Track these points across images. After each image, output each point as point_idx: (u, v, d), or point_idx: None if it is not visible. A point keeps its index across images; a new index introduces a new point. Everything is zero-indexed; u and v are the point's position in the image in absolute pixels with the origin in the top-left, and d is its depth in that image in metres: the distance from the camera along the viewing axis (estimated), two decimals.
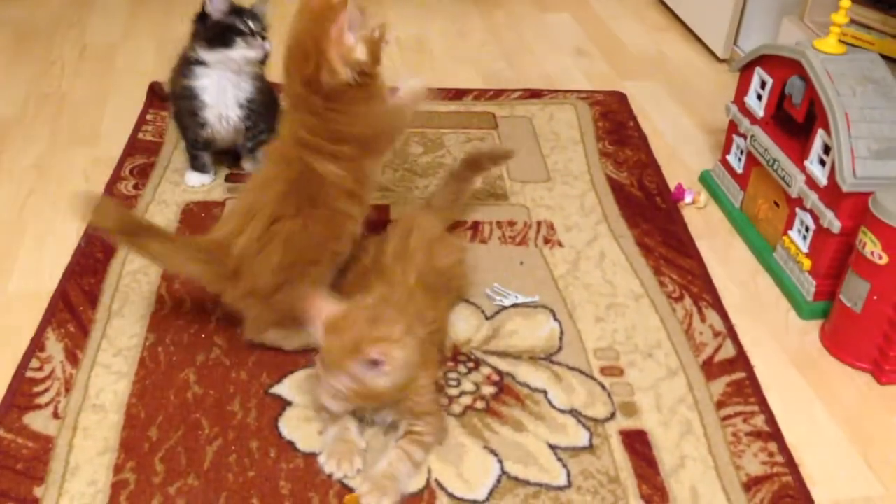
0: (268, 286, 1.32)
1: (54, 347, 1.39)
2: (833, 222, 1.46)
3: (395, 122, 1.45)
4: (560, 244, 1.68)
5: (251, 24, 1.67)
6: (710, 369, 1.42)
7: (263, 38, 1.69)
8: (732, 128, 1.79)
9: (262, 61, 1.72)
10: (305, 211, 1.33)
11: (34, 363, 1.36)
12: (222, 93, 1.71)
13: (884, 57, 1.59)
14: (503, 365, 1.41)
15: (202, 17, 1.69)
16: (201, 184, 1.80)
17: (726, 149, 1.82)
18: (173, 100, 1.78)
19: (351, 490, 1.19)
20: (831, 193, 1.47)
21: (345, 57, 1.30)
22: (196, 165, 1.80)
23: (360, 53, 1.30)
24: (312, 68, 1.31)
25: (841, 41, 1.54)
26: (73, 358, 1.38)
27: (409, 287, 1.35)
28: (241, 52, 1.67)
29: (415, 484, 1.21)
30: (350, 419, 1.25)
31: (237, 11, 1.68)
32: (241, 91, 1.72)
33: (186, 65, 1.71)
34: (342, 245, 1.39)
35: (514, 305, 1.53)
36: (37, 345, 1.40)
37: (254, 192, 1.36)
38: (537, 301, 1.54)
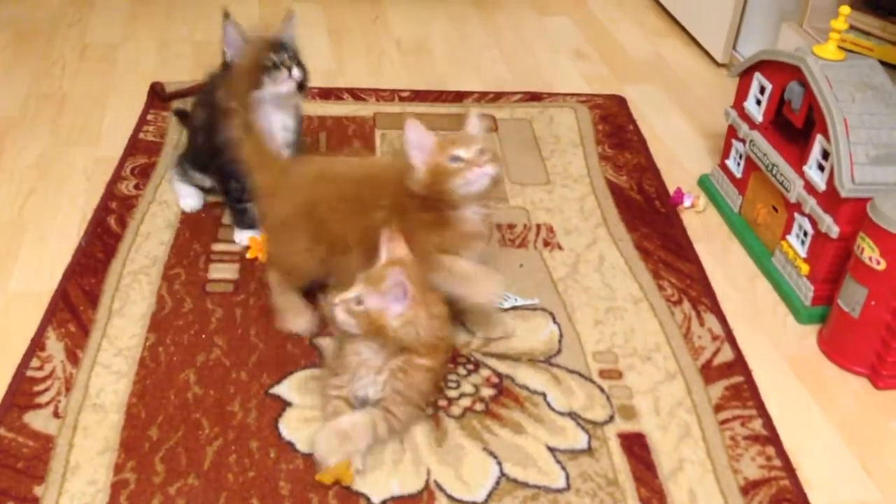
0: (281, 220, 1.41)
1: (55, 347, 1.40)
2: (831, 227, 1.47)
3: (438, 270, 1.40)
4: (559, 247, 1.69)
5: (274, 57, 1.53)
6: (709, 373, 1.42)
7: (290, 68, 1.54)
8: (731, 132, 1.79)
9: (301, 90, 1.58)
10: (351, 199, 1.39)
11: (35, 362, 1.36)
12: (269, 136, 1.52)
13: (883, 63, 1.60)
14: (502, 367, 1.41)
15: (227, 65, 1.57)
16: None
17: (725, 153, 1.83)
18: (216, 155, 1.58)
19: (349, 489, 1.20)
20: (830, 199, 1.47)
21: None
22: (245, 221, 1.64)
23: (420, 174, 1.33)
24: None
25: (840, 47, 1.55)
26: (73, 357, 1.38)
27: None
28: (271, 90, 1.53)
29: (413, 485, 1.21)
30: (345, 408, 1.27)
31: (264, 43, 1.54)
32: (287, 130, 1.60)
33: (225, 117, 1.47)
34: (337, 248, 1.41)
35: (514, 308, 1.53)
36: (37, 344, 1.40)
37: (343, 166, 1.49)
38: (537, 303, 1.55)
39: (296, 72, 1.55)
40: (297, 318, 1.45)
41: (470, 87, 2.26)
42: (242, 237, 1.65)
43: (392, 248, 1.28)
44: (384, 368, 1.25)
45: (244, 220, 1.65)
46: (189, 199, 1.73)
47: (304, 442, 1.26)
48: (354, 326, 1.22)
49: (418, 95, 2.20)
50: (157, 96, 2.10)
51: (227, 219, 1.70)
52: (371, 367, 1.26)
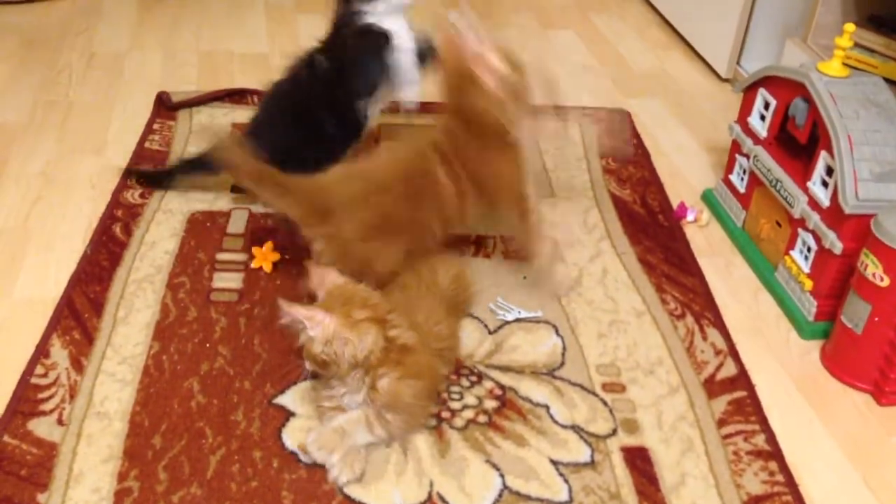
0: (350, 233, 1.41)
1: (59, 354, 1.40)
2: (835, 243, 1.47)
3: (515, 198, 1.54)
4: (563, 260, 1.69)
5: None
6: (712, 387, 1.42)
7: None
8: (735, 147, 1.80)
9: None
10: (409, 199, 1.44)
11: (39, 369, 1.37)
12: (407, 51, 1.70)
13: (887, 81, 1.61)
14: (506, 379, 1.41)
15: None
16: None
17: (729, 168, 1.83)
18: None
19: (352, 499, 1.20)
20: (833, 215, 1.48)
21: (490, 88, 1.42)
22: None
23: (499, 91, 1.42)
24: (461, 94, 1.45)
25: (845, 64, 1.56)
26: (77, 365, 1.38)
27: (426, 299, 1.40)
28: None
29: (416, 496, 1.21)
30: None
31: None
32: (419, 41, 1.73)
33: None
34: (416, 244, 1.46)
35: (517, 320, 1.54)
36: (42, 351, 1.40)
37: (374, 161, 1.51)
38: (540, 316, 1.55)
39: None
40: None
41: None
42: None
43: (318, 280, 1.30)
44: (360, 395, 1.26)
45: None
46: None
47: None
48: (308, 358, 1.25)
49: (424, 107, 2.20)
50: (164, 105, 2.11)
51: (232, 227, 1.71)
52: (351, 399, 1.27)
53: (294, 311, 1.21)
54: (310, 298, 1.31)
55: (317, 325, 1.21)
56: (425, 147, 1.49)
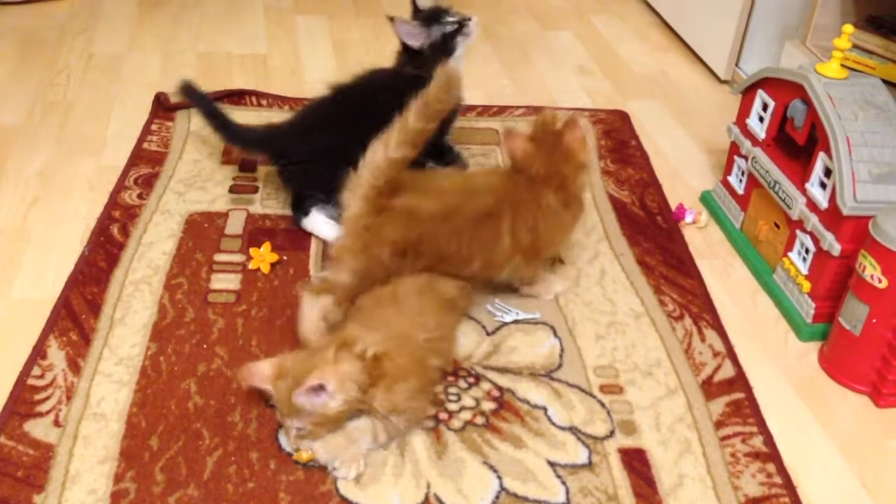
0: (392, 236, 1.41)
1: (56, 355, 1.40)
2: (833, 245, 1.47)
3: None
4: (561, 261, 1.69)
5: (449, 19, 1.75)
6: (710, 389, 1.42)
7: (463, 22, 1.76)
8: (734, 149, 1.80)
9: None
10: (465, 233, 1.44)
11: (36, 370, 1.37)
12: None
13: (885, 82, 1.61)
14: (503, 381, 1.41)
15: (410, 51, 1.77)
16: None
17: (727, 170, 1.83)
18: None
19: (350, 501, 1.20)
20: (832, 216, 1.48)
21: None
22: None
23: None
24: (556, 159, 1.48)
25: (843, 66, 1.56)
26: (74, 366, 1.38)
27: (408, 288, 1.40)
28: (460, 48, 1.77)
29: (414, 498, 1.21)
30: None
31: (432, 18, 1.76)
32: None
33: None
34: (446, 272, 1.47)
35: (515, 321, 1.54)
36: (38, 352, 1.40)
37: (448, 181, 1.53)
38: (538, 317, 1.55)
39: (472, 22, 1.77)
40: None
41: (473, 100, 2.27)
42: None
43: (261, 372, 1.28)
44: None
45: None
46: (329, 228, 1.68)
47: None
48: (322, 433, 1.24)
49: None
50: (162, 106, 2.11)
51: (230, 229, 1.71)
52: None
53: (305, 389, 1.18)
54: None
55: (328, 383, 1.19)
56: (499, 191, 1.48)
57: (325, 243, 1.67)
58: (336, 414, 1.22)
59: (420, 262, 1.44)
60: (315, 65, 2.42)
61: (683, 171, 2.03)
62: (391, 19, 1.74)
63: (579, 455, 1.29)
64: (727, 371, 1.46)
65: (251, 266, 1.61)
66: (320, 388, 1.19)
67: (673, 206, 1.87)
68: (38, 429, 1.27)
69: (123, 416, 1.30)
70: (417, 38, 1.75)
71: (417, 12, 1.80)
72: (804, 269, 1.56)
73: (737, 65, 2.40)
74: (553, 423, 1.34)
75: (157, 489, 1.19)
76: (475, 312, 1.54)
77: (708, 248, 1.78)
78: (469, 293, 1.52)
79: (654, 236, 1.78)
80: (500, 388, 1.40)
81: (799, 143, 1.59)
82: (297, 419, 1.23)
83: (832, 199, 1.47)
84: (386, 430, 1.26)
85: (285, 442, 1.28)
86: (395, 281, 1.42)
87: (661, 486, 1.25)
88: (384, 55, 2.48)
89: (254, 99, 2.18)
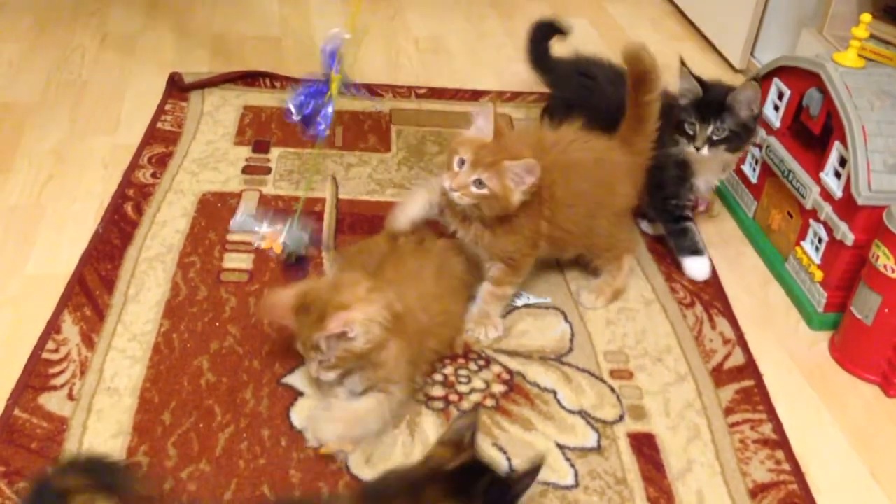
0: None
1: (70, 330, 1.41)
2: (846, 234, 1.47)
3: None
4: None
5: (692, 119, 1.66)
6: (720, 376, 1.42)
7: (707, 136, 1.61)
8: None
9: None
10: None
11: (50, 345, 1.38)
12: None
13: None
14: (514, 364, 1.42)
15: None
16: (708, 271, 1.62)
17: (741, 158, 1.83)
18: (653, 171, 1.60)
19: (360, 480, 1.20)
20: (846, 206, 1.47)
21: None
22: (693, 245, 1.63)
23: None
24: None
25: (860, 55, 1.55)
26: (88, 341, 1.39)
27: (428, 267, 1.40)
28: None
29: None
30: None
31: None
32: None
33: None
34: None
35: (526, 306, 1.54)
36: (53, 327, 1.41)
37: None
38: (549, 302, 1.55)
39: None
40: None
41: (487, 85, 2.26)
42: (698, 268, 1.62)
43: (281, 301, 1.28)
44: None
45: (693, 245, 1.63)
46: (697, 263, 1.63)
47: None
48: (344, 367, 1.24)
49: (434, 93, 2.21)
50: (176, 86, 2.11)
51: (242, 209, 1.71)
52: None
53: (328, 331, 1.19)
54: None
55: (352, 324, 1.19)
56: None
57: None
58: (361, 350, 1.22)
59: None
60: None
61: None
62: (683, 63, 1.74)
63: (588, 438, 1.30)
64: (737, 358, 1.46)
65: (263, 246, 1.62)
66: (343, 335, 1.19)
67: None
68: (52, 402, 1.28)
69: (136, 392, 1.31)
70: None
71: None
72: (817, 259, 1.56)
73: (752, 54, 2.39)
74: (563, 407, 1.35)
75: (169, 463, 1.20)
76: None
77: (720, 236, 1.78)
78: (478, 278, 1.53)
79: None
80: (510, 371, 1.40)
81: (814, 132, 1.58)
82: (321, 354, 1.23)
83: (846, 188, 1.46)
84: (389, 401, 1.26)
85: (297, 420, 1.28)
86: (421, 252, 1.42)
87: (670, 470, 1.26)
88: (398, 41, 2.49)
89: (267, 81, 2.18)
